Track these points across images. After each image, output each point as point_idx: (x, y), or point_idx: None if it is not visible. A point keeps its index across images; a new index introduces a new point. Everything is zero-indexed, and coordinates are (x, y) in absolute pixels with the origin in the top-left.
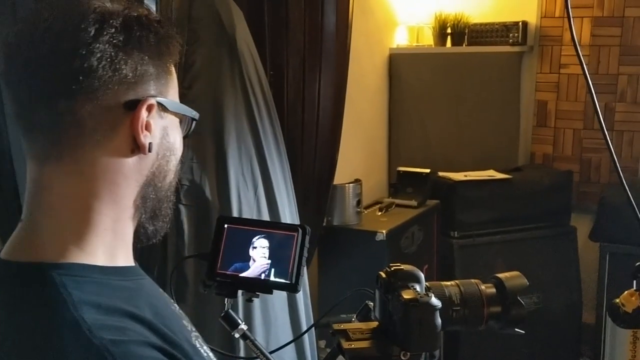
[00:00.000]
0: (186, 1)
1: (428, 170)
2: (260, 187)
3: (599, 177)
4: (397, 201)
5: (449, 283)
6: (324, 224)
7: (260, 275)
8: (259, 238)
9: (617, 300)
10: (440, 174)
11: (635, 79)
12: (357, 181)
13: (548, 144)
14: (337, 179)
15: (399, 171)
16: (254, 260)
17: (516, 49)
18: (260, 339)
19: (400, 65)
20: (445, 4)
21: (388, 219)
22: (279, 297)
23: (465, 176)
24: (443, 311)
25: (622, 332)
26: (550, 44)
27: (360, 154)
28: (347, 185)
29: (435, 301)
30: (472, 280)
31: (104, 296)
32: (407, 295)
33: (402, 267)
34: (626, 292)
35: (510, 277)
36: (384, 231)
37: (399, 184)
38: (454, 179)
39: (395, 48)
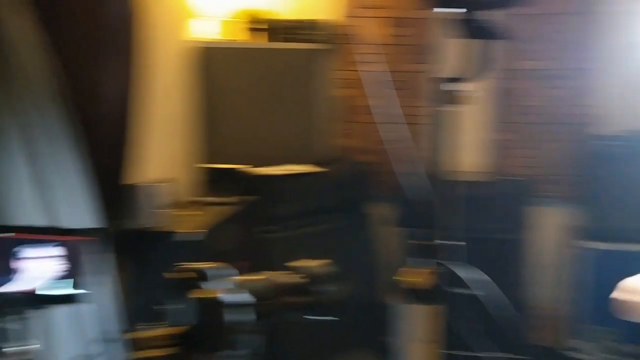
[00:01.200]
0: None
1: (241, 166)
2: (36, 189)
3: (397, 167)
4: (211, 199)
5: (258, 277)
6: (132, 227)
7: (34, 288)
8: (31, 246)
9: (407, 279)
10: (254, 169)
11: (427, 77)
12: (165, 180)
13: (351, 138)
14: (144, 179)
15: (212, 168)
16: (21, 272)
17: (320, 46)
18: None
19: (208, 60)
20: None
21: (202, 218)
22: (65, 310)
23: (279, 171)
24: (254, 305)
25: (414, 309)
26: (352, 42)
27: (169, 152)
28: (153, 184)
29: (240, 297)
30: (282, 272)
31: None
32: (206, 294)
33: (200, 267)
34: (414, 270)
35: (319, 265)
36: (198, 230)
37: (213, 181)
38: (266, 173)
39: (202, 42)
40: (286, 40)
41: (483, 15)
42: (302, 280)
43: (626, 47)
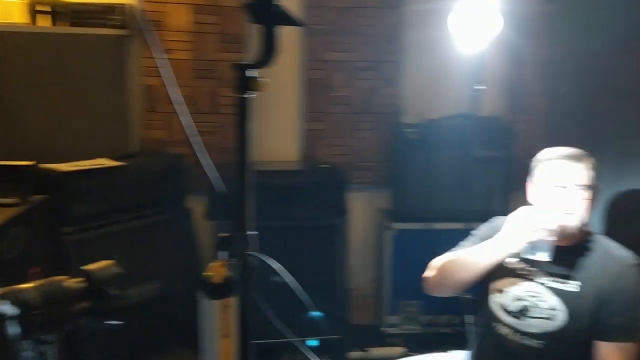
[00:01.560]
0: None
1: (29, 163)
2: None
3: (204, 158)
4: None
5: (27, 286)
6: None
7: None
8: None
9: (207, 273)
10: (45, 165)
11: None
12: None
13: (159, 129)
14: None
15: None
16: None
17: (120, 32)
18: None
19: None
20: None
21: None
22: None
23: (75, 166)
24: (22, 318)
25: (213, 303)
26: (155, 29)
27: None
28: None
29: (4, 309)
30: (58, 278)
31: None
32: None
33: None
34: (214, 263)
35: (101, 267)
36: None
37: None
38: (61, 170)
39: None
40: (83, 25)
41: (274, 2)
42: (84, 285)
43: (426, 41)
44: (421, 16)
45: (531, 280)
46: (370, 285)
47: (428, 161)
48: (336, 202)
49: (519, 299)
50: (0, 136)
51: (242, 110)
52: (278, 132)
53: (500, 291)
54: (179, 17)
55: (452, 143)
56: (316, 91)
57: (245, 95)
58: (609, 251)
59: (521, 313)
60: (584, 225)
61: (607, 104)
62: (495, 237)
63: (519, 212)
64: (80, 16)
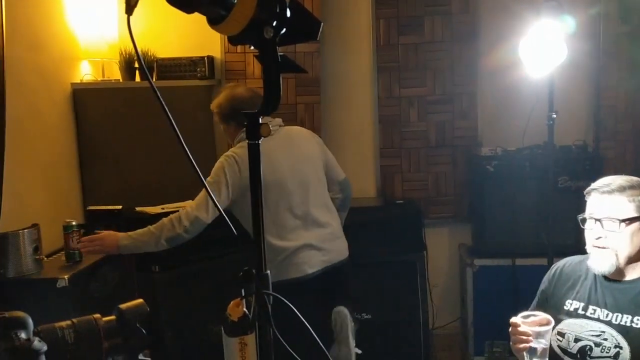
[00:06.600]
0: None
1: (120, 207)
2: None
3: None
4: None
5: (63, 323)
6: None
7: None
8: None
9: (227, 312)
10: (138, 209)
11: (311, 107)
12: (33, 226)
13: None
14: (11, 226)
15: (89, 210)
16: None
17: (205, 82)
18: None
19: (86, 101)
20: (129, 39)
21: (76, 263)
22: None
23: (163, 209)
24: (57, 354)
25: (232, 341)
26: (236, 78)
27: (42, 197)
28: (20, 231)
29: (38, 345)
30: (92, 316)
31: None
32: (5, 343)
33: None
34: (232, 302)
35: (131, 306)
36: (66, 277)
37: (90, 224)
38: (150, 212)
39: (79, 83)
40: (171, 78)
41: (281, 51)
42: (111, 323)
43: (499, 71)
44: (493, 46)
45: (594, 319)
46: (453, 325)
47: (509, 194)
48: (413, 238)
49: (579, 340)
50: (99, 183)
51: (255, 155)
52: (354, 169)
53: (560, 334)
54: (258, 66)
55: (533, 174)
56: (390, 127)
57: (257, 142)
58: None
59: (583, 354)
60: (631, 258)
61: None
62: None
63: (518, 318)
64: (168, 70)
